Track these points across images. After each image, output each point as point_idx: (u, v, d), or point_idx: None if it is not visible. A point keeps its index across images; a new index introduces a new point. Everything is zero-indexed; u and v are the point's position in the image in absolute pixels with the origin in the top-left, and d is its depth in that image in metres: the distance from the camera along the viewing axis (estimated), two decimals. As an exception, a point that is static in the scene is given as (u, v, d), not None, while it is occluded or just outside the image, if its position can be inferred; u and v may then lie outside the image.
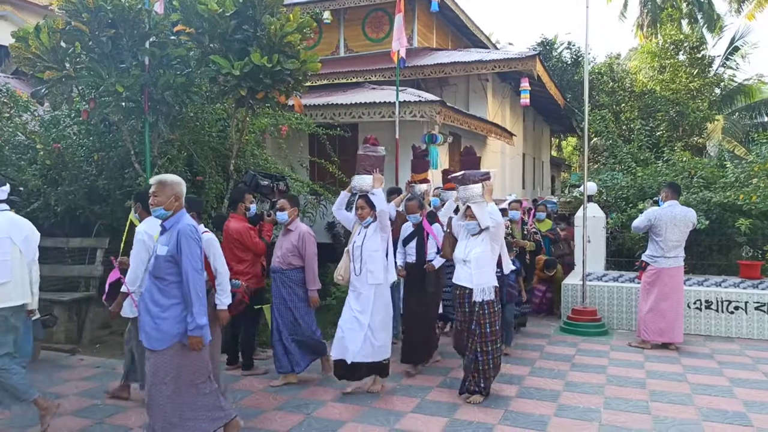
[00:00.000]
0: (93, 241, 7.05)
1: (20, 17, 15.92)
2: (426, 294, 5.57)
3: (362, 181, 5.02)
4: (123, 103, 5.92)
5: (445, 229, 5.48)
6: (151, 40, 5.81)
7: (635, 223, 6.96)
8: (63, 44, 5.70)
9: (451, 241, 5.09)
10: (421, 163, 6.70)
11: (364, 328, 4.81)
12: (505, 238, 6.18)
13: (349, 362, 4.82)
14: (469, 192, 4.77)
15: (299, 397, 4.91)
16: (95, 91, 5.94)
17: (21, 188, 6.80)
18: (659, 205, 6.86)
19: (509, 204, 7.47)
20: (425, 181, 6.58)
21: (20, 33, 5.66)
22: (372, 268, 4.86)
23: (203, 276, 3.63)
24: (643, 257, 6.90)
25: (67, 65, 5.72)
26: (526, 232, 7.24)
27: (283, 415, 4.50)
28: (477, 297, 4.68)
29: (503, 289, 5.80)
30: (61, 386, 5.15)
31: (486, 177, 4.80)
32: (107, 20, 5.57)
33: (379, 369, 4.99)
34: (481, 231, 4.73)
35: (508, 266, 5.27)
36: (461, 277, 4.81)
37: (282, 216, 5.26)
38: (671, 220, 6.58)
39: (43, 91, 5.88)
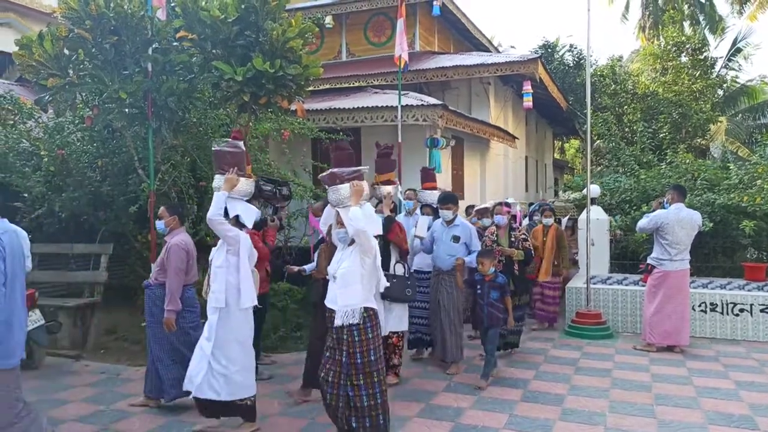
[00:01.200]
0: (97, 247, 7.07)
1: (24, 25, 16.01)
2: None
3: (217, 182, 4.49)
4: (126, 110, 5.95)
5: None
6: (153, 46, 5.84)
7: (640, 223, 6.94)
8: (66, 51, 5.73)
9: (327, 253, 4.42)
10: (385, 162, 6.03)
11: (206, 357, 4.15)
12: (489, 245, 6.05)
13: (191, 396, 4.23)
14: (338, 194, 3.98)
15: (304, 402, 4.90)
16: (99, 98, 5.97)
17: (25, 195, 6.84)
18: (665, 208, 6.83)
19: (493, 207, 6.99)
20: (390, 182, 5.95)
21: (24, 41, 5.69)
22: (214, 287, 4.20)
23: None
24: (649, 260, 6.87)
25: (71, 72, 5.75)
26: (514, 239, 6.27)
27: (288, 420, 4.50)
28: (338, 320, 3.80)
29: (484, 310, 5.49)
30: (66, 392, 5.16)
31: (356, 175, 4.03)
32: (110, 27, 5.60)
33: (242, 410, 4.24)
34: (353, 241, 3.88)
35: (382, 284, 4.09)
36: (329, 296, 3.98)
37: (159, 225, 4.82)
38: (678, 223, 6.55)
39: (46, 98, 5.91)
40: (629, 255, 9.79)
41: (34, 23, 15.49)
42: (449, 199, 6.06)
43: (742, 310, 7.17)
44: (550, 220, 7.83)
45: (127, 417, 4.59)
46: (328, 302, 3.94)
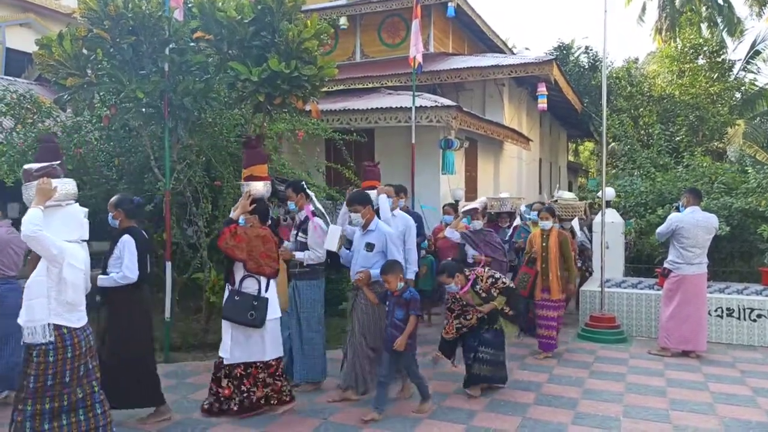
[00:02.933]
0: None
1: (43, 25, 16.22)
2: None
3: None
4: (143, 109, 6.01)
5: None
6: (170, 46, 5.89)
7: (659, 230, 6.83)
8: (85, 51, 5.80)
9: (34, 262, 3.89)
10: (252, 154, 5.19)
11: None
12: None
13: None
14: (27, 193, 3.42)
15: (316, 402, 4.91)
16: (116, 98, 6.03)
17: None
18: (680, 211, 6.75)
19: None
20: (260, 178, 5.19)
21: (44, 40, 5.77)
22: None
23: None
24: (665, 264, 6.78)
25: (89, 72, 5.82)
26: (481, 291, 5.12)
27: (300, 420, 4.50)
28: (26, 338, 3.24)
29: (387, 330, 4.62)
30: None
31: (44, 172, 3.39)
32: (128, 27, 5.66)
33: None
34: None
35: None
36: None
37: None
38: (694, 226, 6.47)
39: (65, 97, 5.98)
40: (644, 258, 9.71)
41: (53, 23, 15.69)
42: (355, 199, 4.99)
43: (759, 316, 7.06)
44: (548, 223, 6.47)
45: (140, 414, 4.62)
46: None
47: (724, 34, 21.60)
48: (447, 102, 9.85)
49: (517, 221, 8.10)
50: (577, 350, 6.83)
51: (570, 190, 23.74)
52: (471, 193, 11.37)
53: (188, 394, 5.08)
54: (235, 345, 4.45)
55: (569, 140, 24.78)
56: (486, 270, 5.25)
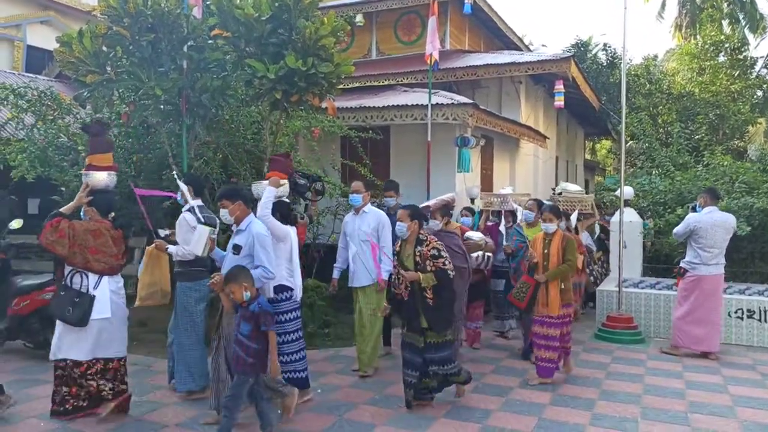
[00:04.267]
0: (131, 241, 7.21)
1: (63, 23, 16.43)
2: None
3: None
4: (161, 106, 6.06)
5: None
6: (189, 44, 5.93)
7: (676, 230, 6.78)
8: (105, 49, 5.86)
9: None
10: (97, 142, 4.79)
11: None
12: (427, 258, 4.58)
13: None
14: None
15: (331, 399, 4.92)
16: (135, 95, 6.10)
17: (63, 189, 7.01)
18: (696, 211, 6.69)
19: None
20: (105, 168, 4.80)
21: (64, 38, 5.83)
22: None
23: None
24: (682, 264, 6.73)
25: (109, 69, 5.88)
26: (418, 256, 4.56)
27: (315, 417, 4.52)
28: None
29: (232, 348, 4.07)
30: (100, 382, 5.26)
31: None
32: (147, 25, 5.71)
33: None
34: None
35: None
36: None
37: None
38: (712, 226, 6.42)
39: (85, 94, 6.05)
40: (662, 258, 9.59)
41: (74, 21, 15.90)
42: (222, 194, 4.49)
43: (781, 318, 6.95)
44: (552, 226, 5.45)
45: (159, 408, 4.67)
46: None
47: (746, 31, 21.22)
48: (463, 99, 9.79)
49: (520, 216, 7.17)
50: (594, 350, 6.76)
51: (586, 188, 23.55)
52: (487, 191, 11.29)
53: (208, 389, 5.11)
54: (61, 340, 4.25)
55: (586, 138, 24.52)
56: (437, 243, 4.62)
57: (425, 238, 4.59)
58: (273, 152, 6.93)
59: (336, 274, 5.91)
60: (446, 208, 5.69)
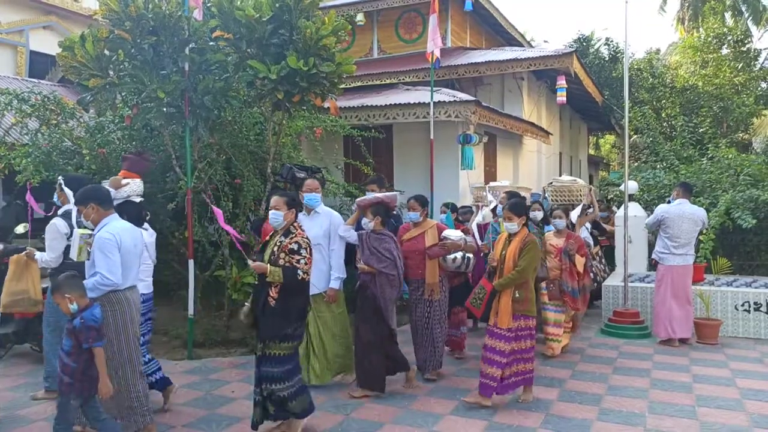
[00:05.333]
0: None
1: (65, 27, 16.50)
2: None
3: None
4: (164, 109, 6.07)
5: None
6: (190, 46, 5.94)
7: (647, 220, 7.15)
8: (107, 52, 5.88)
9: None
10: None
11: None
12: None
13: None
14: None
15: (338, 398, 4.93)
16: (138, 98, 6.11)
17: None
18: (669, 203, 7.04)
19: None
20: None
21: (66, 42, 5.86)
22: None
23: None
24: (653, 254, 7.05)
25: (111, 73, 5.90)
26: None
27: (322, 415, 4.52)
28: None
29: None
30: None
31: None
32: (149, 28, 5.72)
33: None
34: None
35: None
36: None
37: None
38: (679, 218, 6.74)
39: (88, 98, 6.08)
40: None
41: (75, 25, 15.96)
42: (80, 198, 3.93)
43: (788, 310, 6.92)
44: (513, 225, 4.73)
45: (168, 410, 4.68)
46: None
47: (749, 23, 21.14)
48: (465, 97, 9.78)
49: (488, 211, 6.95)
50: (601, 346, 6.75)
51: (591, 183, 23.50)
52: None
53: (212, 389, 5.14)
54: None
55: (590, 133, 24.47)
56: (304, 238, 4.03)
57: (294, 230, 4.05)
58: (276, 152, 6.96)
59: None
60: (381, 207, 5.05)
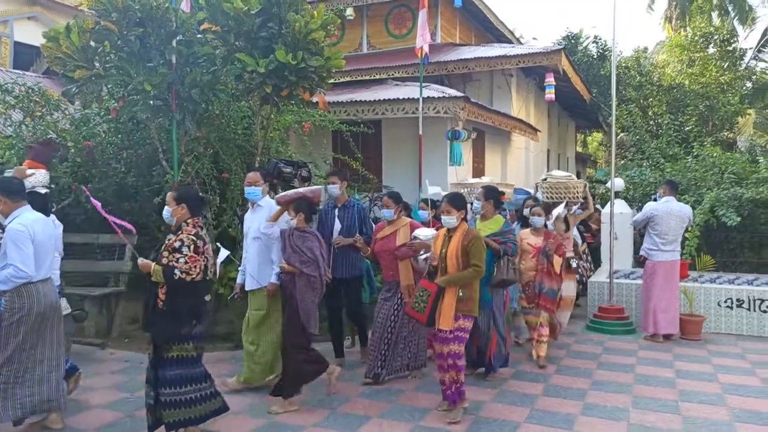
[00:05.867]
0: (122, 237, 7.17)
1: (50, 18, 16.26)
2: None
3: None
4: (151, 102, 6.01)
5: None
6: (177, 38, 5.89)
7: (635, 218, 7.24)
8: (93, 44, 5.80)
9: None
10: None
11: None
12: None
13: None
14: None
15: (323, 392, 4.93)
16: (124, 90, 6.04)
17: (53, 185, 6.96)
18: (656, 200, 7.17)
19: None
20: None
21: (51, 33, 5.77)
22: None
23: None
24: (641, 251, 7.12)
25: (97, 64, 5.82)
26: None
27: (308, 410, 4.52)
28: None
29: None
30: (92, 379, 5.25)
31: None
32: (135, 19, 5.65)
33: None
34: None
35: None
36: None
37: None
38: (667, 215, 6.84)
39: (73, 90, 5.99)
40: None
41: (60, 16, 15.73)
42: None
43: (769, 307, 7.03)
44: (451, 219, 4.39)
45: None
46: None
47: (735, 22, 21.32)
48: (454, 93, 9.80)
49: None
50: (586, 341, 6.81)
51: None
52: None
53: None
54: None
55: (577, 131, 24.61)
56: (190, 236, 3.78)
57: (186, 227, 3.84)
58: (264, 147, 6.92)
59: (240, 279, 5.10)
60: (304, 203, 4.66)
